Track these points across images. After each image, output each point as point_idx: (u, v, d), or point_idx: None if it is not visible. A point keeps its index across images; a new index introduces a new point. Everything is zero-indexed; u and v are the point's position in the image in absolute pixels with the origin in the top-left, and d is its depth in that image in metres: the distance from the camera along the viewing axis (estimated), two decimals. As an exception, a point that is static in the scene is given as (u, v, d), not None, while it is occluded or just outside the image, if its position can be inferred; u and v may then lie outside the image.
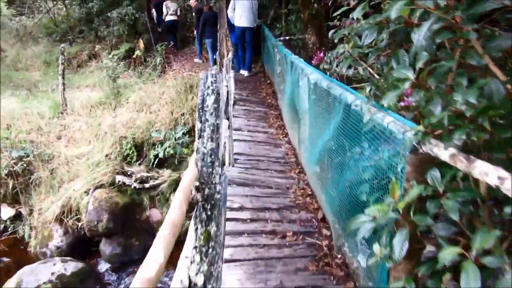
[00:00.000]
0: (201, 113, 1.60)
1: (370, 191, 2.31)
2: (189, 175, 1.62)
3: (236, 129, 5.90)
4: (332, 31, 2.99)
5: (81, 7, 13.47)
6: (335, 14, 2.59)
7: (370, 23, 2.14)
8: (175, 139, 8.22)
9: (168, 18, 12.51)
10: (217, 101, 1.65)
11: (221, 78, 1.67)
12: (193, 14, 12.23)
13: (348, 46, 2.37)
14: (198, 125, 1.60)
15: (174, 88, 9.55)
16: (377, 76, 2.42)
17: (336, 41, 2.75)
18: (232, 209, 3.65)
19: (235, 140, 5.45)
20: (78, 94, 10.31)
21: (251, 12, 8.90)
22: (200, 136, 1.57)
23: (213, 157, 1.60)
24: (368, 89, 2.30)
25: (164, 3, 12.34)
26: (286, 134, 5.88)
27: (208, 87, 1.72)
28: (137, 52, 11.91)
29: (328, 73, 3.41)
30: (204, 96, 1.67)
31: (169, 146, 8.14)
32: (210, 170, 1.65)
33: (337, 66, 2.94)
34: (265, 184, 4.24)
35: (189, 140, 8.68)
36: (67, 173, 8.37)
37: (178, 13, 12.58)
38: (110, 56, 10.23)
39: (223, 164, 1.85)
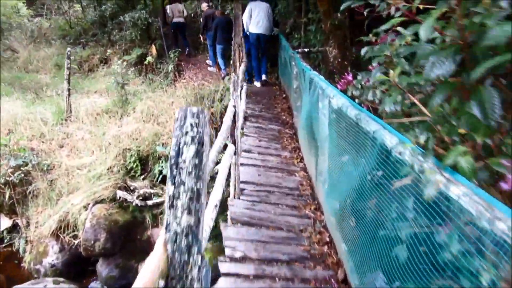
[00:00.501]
0: (174, 172, 1.08)
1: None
2: (149, 268, 1.01)
3: (245, 151, 5.24)
4: (364, 49, 2.31)
5: (96, 10, 13.04)
6: (382, 28, 1.89)
7: (436, 45, 1.45)
8: (180, 154, 7.58)
9: (175, 20, 12.00)
10: (199, 154, 1.13)
11: (204, 122, 1.19)
12: (201, 19, 11.62)
13: (393, 74, 1.69)
14: (169, 188, 1.09)
15: (184, 99, 8.94)
16: (427, 113, 1.73)
17: (374, 64, 2.07)
18: (232, 259, 2.98)
19: (243, 164, 4.79)
20: (85, 100, 9.78)
21: (268, 20, 8.38)
22: (171, 205, 1.05)
23: (190, 238, 1.08)
24: (422, 137, 1.61)
25: (169, 6, 11.84)
26: (302, 159, 5.19)
27: (187, 132, 1.20)
28: (149, 58, 11.36)
29: (357, 101, 2.73)
30: (180, 146, 1.14)
31: (174, 162, 7.49)
32: (186, 257, 1.09)
33: (373, 96, 2.26)
34: (275, 224, 3.55)
35: (197, 155, 8.03)
36: (67, 185, 7.79)
37: (185, 14, 11.95)
38: (120, 61, 9.68)
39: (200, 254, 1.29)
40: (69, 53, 8.68)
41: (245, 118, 6.60)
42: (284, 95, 8.27)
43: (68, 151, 8.47)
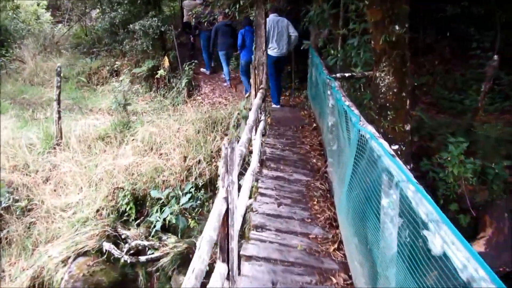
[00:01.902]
0: None
1: None
2: None
3: (257, 227, 3.51)
4: None
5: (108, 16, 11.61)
6: None
7: None
8: (177, 201, 5.93)
9: (185, 19, 10.65)
10: None
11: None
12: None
13: None
14: None
15: (193, 124, 7.29)
16: None
17: None
18: None
19: (250, 258, 3.07)
20: (82, 122, 8.27)
21: (288, 40, 7.57)
22: None
23: None
24: None
25: (184, 3, 10.42)
26: (340, 243, 3.40)
27: None
28: (161, 72, 9.81)
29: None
30: None
31: (171, 213, 5.85)
32: None
33: None
34: None
35: (205, 198, 6.38)
36: (46, 232, 6.27)
37: (189, 14, 10.46)
38: (122, 77, 8.14)
39: None
40: (59, 69, 7.17)
41: (262, 163, 4.86)
42: (314, 125, 6.48)
43: (54, 185, 6.97)
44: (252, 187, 4.22)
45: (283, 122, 6.73)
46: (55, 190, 6.93)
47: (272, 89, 7.81)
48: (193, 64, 10.03)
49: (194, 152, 6.79)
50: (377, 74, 4.20)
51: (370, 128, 2.49)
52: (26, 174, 7.09)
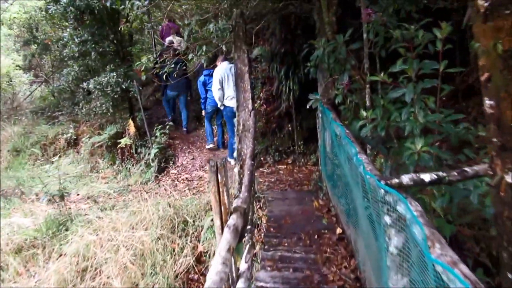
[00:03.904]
0: None
1: None
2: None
3: None
4: None
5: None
6: None
7: None
8: None
9: None
10: None
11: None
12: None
13: None
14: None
15: (151, 227, 4.72)
16: None
17: None
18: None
19: None
20: (7, 221, 5.72)
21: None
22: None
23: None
24: None
25: (167, 39, 8.09)
26: None
27: None
28: (125, 140, 7.41)
29: None
30: None
31: None
32: None
33: None
34: None
35: None
36: None
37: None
38: (57, 158, 5.71)
39: None
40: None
41: None
42: (338, 229, 3.88)
43: None
44: None
45: (287, 223, 4.13)
46: None
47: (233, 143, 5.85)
48: (167, 127, 7.65)
49: (149, 278, 4.17)
50: (509, 179, 1.67)
51: None
52: None
